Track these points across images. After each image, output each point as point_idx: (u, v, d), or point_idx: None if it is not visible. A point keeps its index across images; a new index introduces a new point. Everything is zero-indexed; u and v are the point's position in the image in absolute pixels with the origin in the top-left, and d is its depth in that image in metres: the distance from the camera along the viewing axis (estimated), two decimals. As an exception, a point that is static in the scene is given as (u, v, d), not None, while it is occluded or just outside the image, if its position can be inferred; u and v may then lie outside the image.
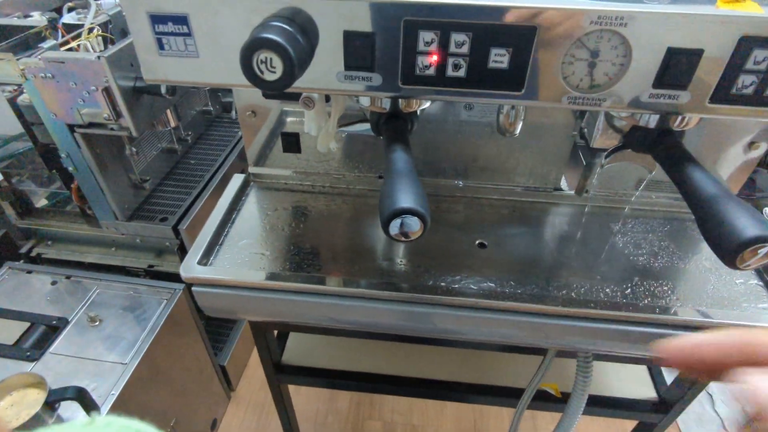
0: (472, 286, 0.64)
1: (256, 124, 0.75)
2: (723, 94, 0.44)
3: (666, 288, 0.65)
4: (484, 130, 0.73)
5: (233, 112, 1.64)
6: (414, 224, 0.41)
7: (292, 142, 0.76)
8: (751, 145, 0.70)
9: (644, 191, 0.77)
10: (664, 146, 0.50)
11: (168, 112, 1.09)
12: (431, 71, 0.45)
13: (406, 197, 0.41)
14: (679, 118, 0.49)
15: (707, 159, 0.72)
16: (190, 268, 0.63)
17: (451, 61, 0.44)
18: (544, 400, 0.88)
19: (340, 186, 0.81)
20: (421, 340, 0.94)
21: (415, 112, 0.53)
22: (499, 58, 0.44)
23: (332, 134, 0.60)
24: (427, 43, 0.44)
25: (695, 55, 0.42)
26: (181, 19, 0.45)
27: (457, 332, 0.65)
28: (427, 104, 0.54)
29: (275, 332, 0.93)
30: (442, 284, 0.64)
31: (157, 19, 0.45)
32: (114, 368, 1.00)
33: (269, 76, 0.42)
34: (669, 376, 0.87)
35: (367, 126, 0.57)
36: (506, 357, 0.96)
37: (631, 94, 0.45)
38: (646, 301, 0.63)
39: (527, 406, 0.85)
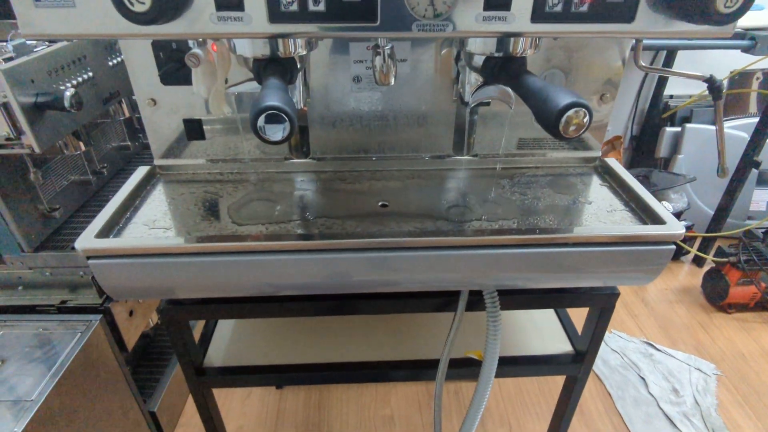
0: (377, 234, 0.67)
1: (157, 113, 0.77)
2: (540, 13, 0.53)
3: (550, 220, 0.72)
4: (376, 108, 0.80)
5: (153, 148, 1.63)
6: (281, 119, 0.44)
7: (195, 129, 0.79)
8: (601, 97, 0.80)
9: (526, 149, 0.85)
10: (512, 71, 0.58)
11: (71, 137, 1.08)
12: (294, 7, 0.51)
13: (272, 97, 0.45)
14: (519, 44, 0.58)
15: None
16: (87, 239, 0.62)
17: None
18: (469, 365, 0.89)
19: (250, 171, 0.84)
20: (344, 324, 0.95)
21: (293, 58, 0.58)
22: (348, -10, 0.51)
23: (222, 94, 0.63)
24: None
25: (509, -23, 0.51)
26: (56, -30, 0.48)
27: (366, 279, 0.67)
28: (304, 51, 0.59)
29: (195, 338, 0.90)
30: (349, 233, 0.67)
31: (31, -30, 0.48)
32: (15, 407, 0.92)
33: (138, 8, 0.46)
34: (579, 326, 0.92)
35: (255, 84, 0.61)
36: (424, 332, 0.97)
37: (468, 18, 0.53)
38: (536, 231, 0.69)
39: (447, 375, 0.86)
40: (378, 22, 0.53)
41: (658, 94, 2.22)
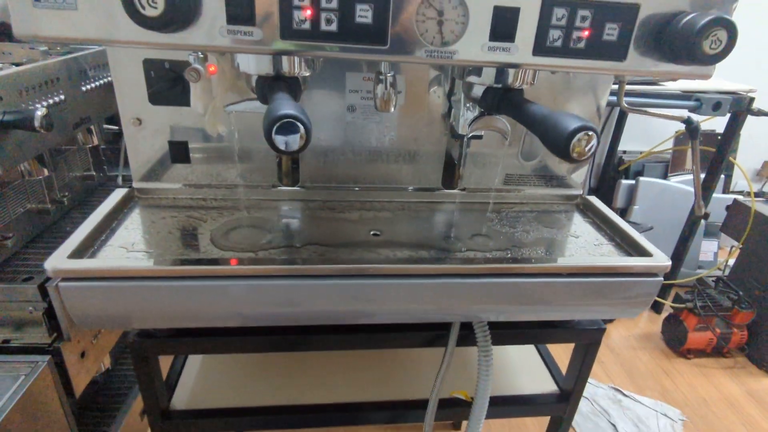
0: (365, 261, 0.66)
1: (141, 133, 0.74)
2: (541, 47, 0.56)
3: (541, 251, 0.72)
4: (370, 139, 0.80)
5: (119, 179, 1.58)
6: (297, 129, 0.43)
7: (181, 151, 0.76)
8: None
9: (512, 185, 0.87)
10: (510, 101, 0.60)
11: (35, 161, 1.02)
12: (307, 25, 0.51)
13: (287, 107, 0.44)
14: (519, 76, 0.60)
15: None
16: (59, 259, 0.57)
17: (323, 15, 0.51)
18: (455, 406, 0.86)
19: (234, 198, 0.81)
20: (326, 361, 0.90)
21: (297, 78, 0.58)
22: (364, 13, 0.52)
23: (219, 112, 0.62)
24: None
25: (514, 11, 0.53)
26: (62, -30, 0.47)
27: (351, 309, 0.64)
28: (307, 72, 0.59)
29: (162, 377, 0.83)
30: (340, 260, 0.65)
31: (35, -31, 0.47)
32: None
33: (150, 12, 0.45)
34: (563, 366, 0.91)
35: (255, 104, 0.60)
36: (410, 372, 0.93)
37: (474, 48, 0.55)
38: (528, 261, 0.69)
39: (436, 416, 0.82)
40: (387, 46, 0.54)
41: (614, 149, 2.37)
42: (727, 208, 2.04)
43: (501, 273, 0.65)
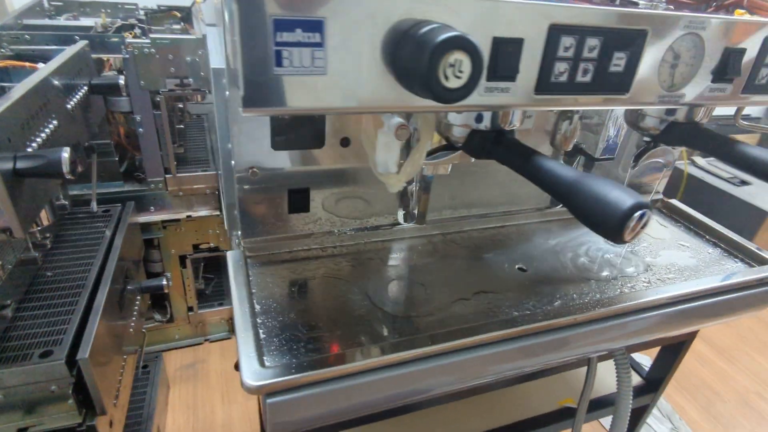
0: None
1: (254, 185, 0.61)
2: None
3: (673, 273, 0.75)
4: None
5: (93, 204, 1.33)
6: (647, 213, 0.38)
7: (300, 200, 0.64)
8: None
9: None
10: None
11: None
12: (564, 78, 0.45)
13: (626, 193, 0.38)
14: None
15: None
16: (261, 374, 0.45)
17: (582, 66, 0.45)
18: (569, 416, 0.88)
19: (350, 243, 0.71)
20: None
21: (513, 131, 0.51)
22: (618, 61, 0.46)
23: (419, 166, 0.52)
24: (566, 48, 0.43)
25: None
26: (316, 25, 0.35)
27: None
28: (518, 124, 0.52)
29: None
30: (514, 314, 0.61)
31: (282, 25, 0.34)
32: None
33: (453, 83, 0.35)
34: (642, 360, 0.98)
35: (453, 153, 0.52)
36: (514, 391, 0.94)
37: (698, 88, 0.53)
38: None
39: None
40: (629, 94, 0.49)
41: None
42: None
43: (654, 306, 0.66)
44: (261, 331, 0.53)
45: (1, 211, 0.66)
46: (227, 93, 0.54)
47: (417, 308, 0.60)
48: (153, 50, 1.24)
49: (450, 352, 0.52)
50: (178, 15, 1.70)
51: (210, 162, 1.61)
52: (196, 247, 1.64)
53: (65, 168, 0.70)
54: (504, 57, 0.41)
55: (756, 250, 0.77)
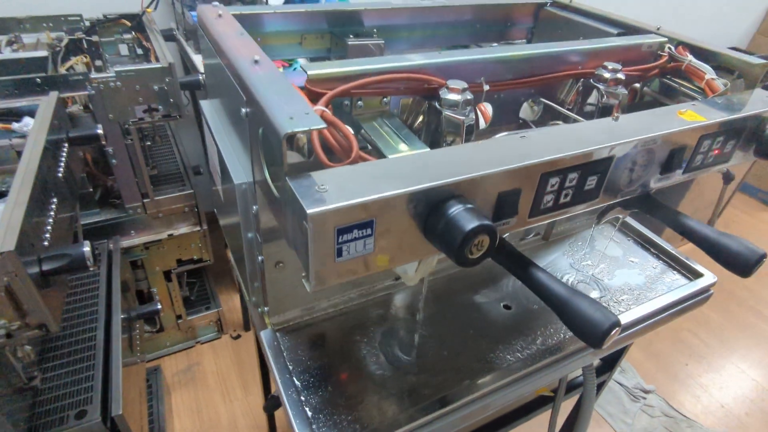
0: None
1: (282, 274, 0.69)
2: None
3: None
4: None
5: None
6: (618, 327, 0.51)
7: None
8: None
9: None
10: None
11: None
12: (550, 204, 0.55)
13: (604, 315, 0.51)
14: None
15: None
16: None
17: (563, 192, 0.55)
18: (547, 404, 1.06)
19: (358, 301, 0.81)
20: None
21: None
22: (591, 182, 0.57)
23: (432, 266, 0.62)
24: (552, 185, 0.54)
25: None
26: (368, 224, 0.43)
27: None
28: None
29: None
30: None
31: (343, 230, 0.42)
32: None
33: (475, 254, 0.45)
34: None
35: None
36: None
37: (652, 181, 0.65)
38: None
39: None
40: (599, 197, 0.60)
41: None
42: None
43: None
44: (307, 408, 0.64)
45: (37, 311, 0.71)
46: (255, 208, 0.61)
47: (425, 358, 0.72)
48: (119, 83, 1.23)
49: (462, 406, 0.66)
50: (128, 24, 1.62)
51: (185, 179, 1.62)
52: (179, 261, 1.68)
53: (89, 263, 0.74)
54: (507, 205, 0.51)
55: (689, 263, 0.94)
